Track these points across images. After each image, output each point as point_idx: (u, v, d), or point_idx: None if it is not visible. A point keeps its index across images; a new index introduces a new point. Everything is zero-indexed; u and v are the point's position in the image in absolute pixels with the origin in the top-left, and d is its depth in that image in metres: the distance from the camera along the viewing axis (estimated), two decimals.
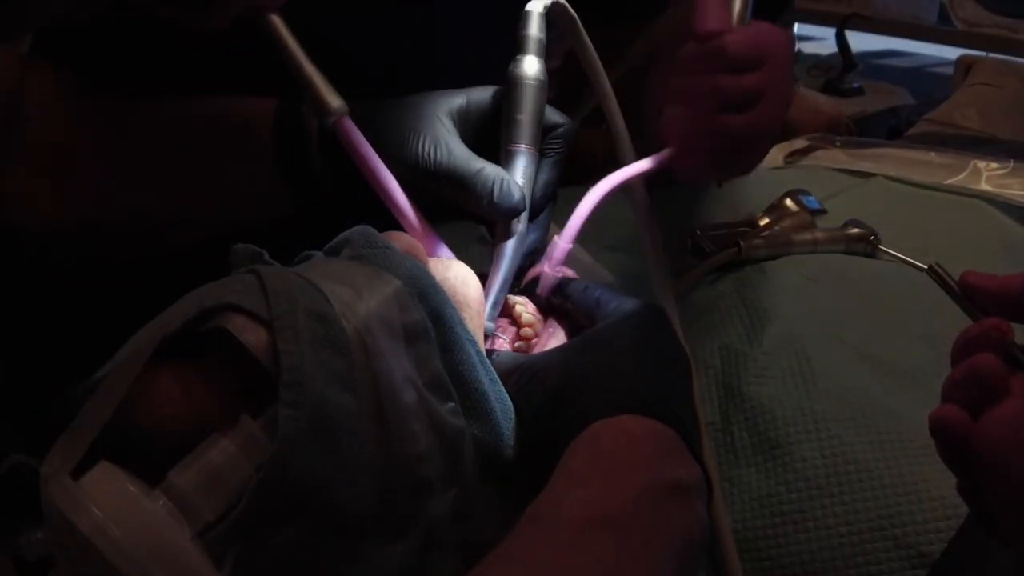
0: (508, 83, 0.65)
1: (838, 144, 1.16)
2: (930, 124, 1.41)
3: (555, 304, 0.63)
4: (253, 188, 0.71)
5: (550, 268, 0.64)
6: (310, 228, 0.61)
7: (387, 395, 0.46)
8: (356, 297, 0.48)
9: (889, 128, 1.58)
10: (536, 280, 0.65)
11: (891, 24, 2.35)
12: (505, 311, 0.62)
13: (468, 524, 0.49)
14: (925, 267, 0.79)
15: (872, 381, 0.69)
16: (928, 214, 0.90)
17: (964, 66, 1.59)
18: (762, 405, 0.68)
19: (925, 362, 0.70)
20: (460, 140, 0.64)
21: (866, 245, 0.82)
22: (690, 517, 0.48)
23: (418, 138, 0.63)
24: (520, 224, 0.64)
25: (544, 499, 0.46)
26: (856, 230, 0.82)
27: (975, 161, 1.05)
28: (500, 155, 0.64)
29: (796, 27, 2.22)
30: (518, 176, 0.63)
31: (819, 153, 1.15)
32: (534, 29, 0.66)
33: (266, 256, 0.53)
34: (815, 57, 2.21)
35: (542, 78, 0.65)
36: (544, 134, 0.66)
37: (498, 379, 0.53)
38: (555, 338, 0.61)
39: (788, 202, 0.85)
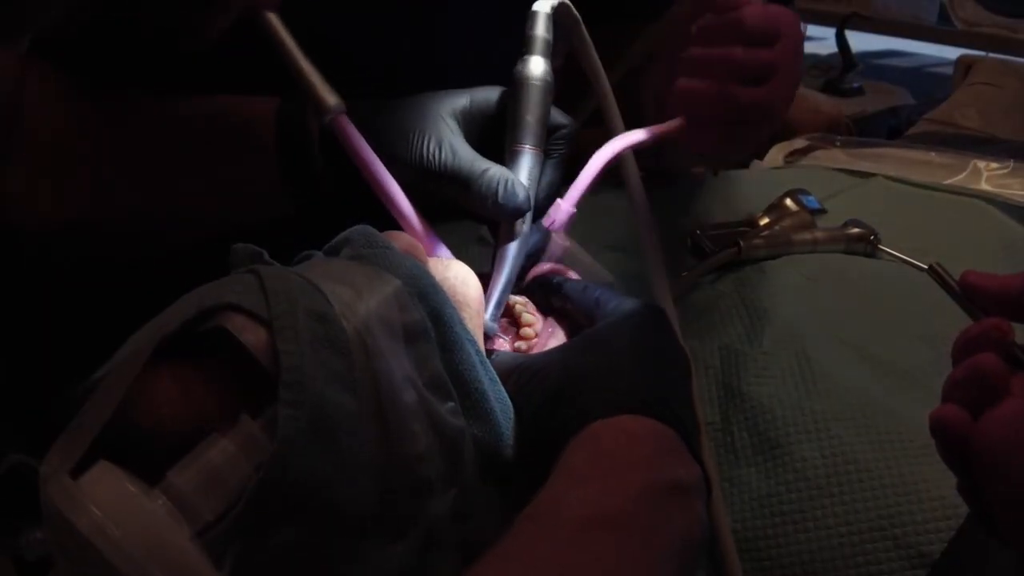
0: (514, 83, 0.65)
1: (838, 144, 1.16)
2: (930, 124, 1.41)
3: (555, 304, 0.63)
4: (253, 188, 0.71)
5: (553, 231, 0.64)
6: (310, 228, 0.61)
7: (387, 395, 0.46)
8: (356, 297, 0.48)
9: (889, 128, 1.58)
10: (536, 280, 0.65)
11: (891, 24, 2.35)
12: (505, 311, 0.62)
13: (468, 524, 0.49)
14: (925, 267, 0.79)
15: (872, 381, 0.69)
16: (928, 214, 0.90)
17: (964, 66, 1.59)
18: (762, 405, 0.68)
19: (925, 362, 0.70)
20: (464, 140, 0.64)
21: (866, 245, 0.82)
22: (690, 517, 0.48)
23: (422, 138, 0.63)
24: (524, 225, 0.64)
25: (543, 498, 0.46)
26: (856, 230, 0.82)
27: (975, 161, 1.06)
28: (504, 155, 0.64)
29: None
30: (523, 177, 0.63)
31: (819, 153, 1.15)
32: (541, 29, 0.66)
33: (266, 256, 0.53)
34: (815, 57, 2.21)
35: (548, 79, 0.66)
36: (548, 135, 0.66)
37: (498, 379, 0.53)
38: (555, 338, 0.61)
39: (788, 202, 0.85)
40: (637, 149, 0.70)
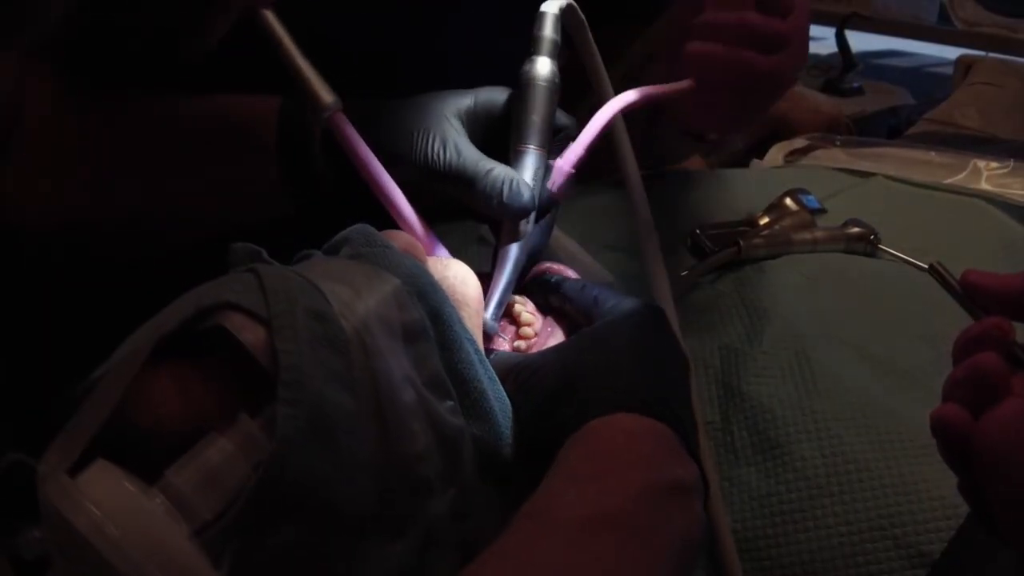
0: (521, 83, 0.65)
1: (838, 143, 1.17)
2: (930, 123, 1.41)
3: (553, 303, 0.63)
4: (253, 188, 0.71)
5: (555, 189, 0.64)
6: (310, 228, 0.61)
7: (386, 394, 0.46)
8: (355, 296, 0.48)
9: (889, 128, 1.58)
10: (536, 280, 0.65)
11: (891, 24, 2.35)
12: (504, 311, 0.62)
13: (467, 523, 0.49)
14: (926, 266, 0.79)
15: (872, 381, 0.69)
16: (928, 214, 0.90)
17: (964, 66, 1.60)
18: (762, 404, 0.67)
19: (925, 361, 0.70)
20: (468, 140, 0.64)
21: (866, 244, 0.82)
22: (689, 516, 0.48)
23: (427, 137, 0.63)
24: (527, 225, 0.63)
25: (541, 496, 0.46)
26: (856, 229, 0.82)
27: (975, 160, 1.06)
28: (509, 155, 0.64)
29: None
30: (527, 177, 0.63)
31: (819, 152, 1.15)
32: (549, 30, 0.66)
33: (264, 255, 0.53)
34: (815, 57, 2.20)
35: (555, 80, 0.65)
36: (552, 136, 0.66)
37: (497, 378, 0.53)
38: (553, 337, 0.61)
39: (788, 201, 0.85)
40: (642, 107, 0.69)
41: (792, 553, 0.62)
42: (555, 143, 0.66)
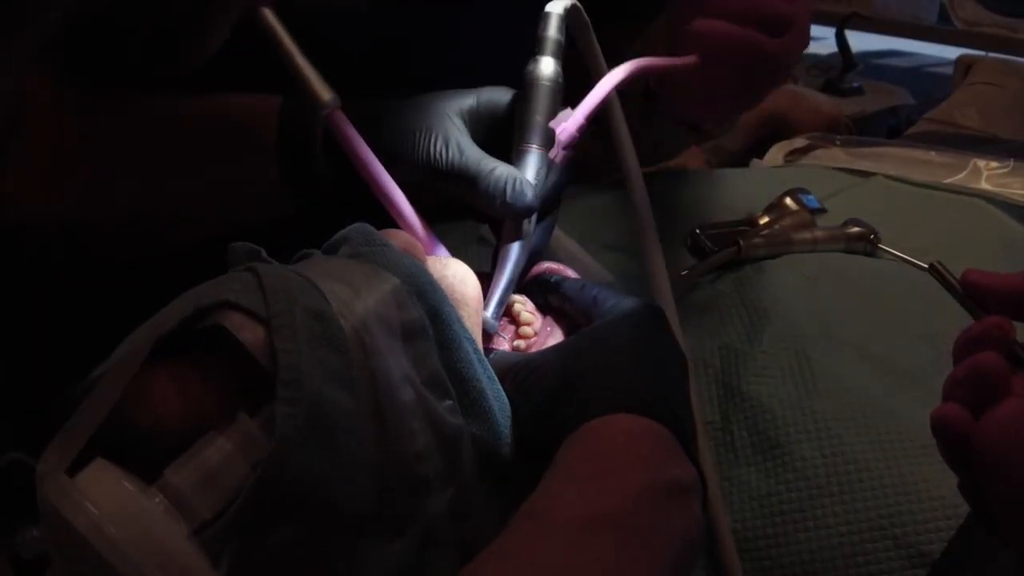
0: (525, 83, 0.65)
1: (838, 143, 1.16)
2: (930, 123, 1.41)
3: (553, 303, 0.63)
4: (254, 188, 0.71)
5: (556, 160, 0.64)
6: (310, 228, 0.61)
7: (385, 393, 0.46)
8: (354, 295, 0.48)
9: (889, 128, 1.57)
10: (535, 280, 0.65)
11: (891, 24, 2.34)
12: (504, 310, 0.62)
13: (466, 523, 0.49)
14: (926, 266, 0.79)
15: (872, 381, 0.69)
16: (928, 213, 0.90)
17: (964, 66, 1.59)
18: (762, 404, 0.67)
19: (925, 361, 0.70)
20: (471, 139, 0.64)
21: (866, 244, 0.82)
22: (688, 517, 0.48)
23: (429, 136, 0.63)
24: (529, 224, 0.63)
25: (540, 496, 0.46)
26: (856, 229, 0.82)
27: (975, 160, 1.06)
28: (511, 155, 0.64)
29: None
30: (530, 176, 0.63)
31: (819, 152, 1.15)
32: (553, 31, 0.66)
33: (263, 254, 0.53)
34: (815, 57, 2.20)
35: (559, 80, 0.65)
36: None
37: (496, 378, 0.53)
38: (553, 337, 0.61)
39: (788, 201, 0.85)
40: (644, 76, 0.70)
41: (792, 553, 0.62)
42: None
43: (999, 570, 0.58)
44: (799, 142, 1.19)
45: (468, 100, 0.66)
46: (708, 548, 0.62)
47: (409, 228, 0.62)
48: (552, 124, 0.64)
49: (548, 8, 0.67)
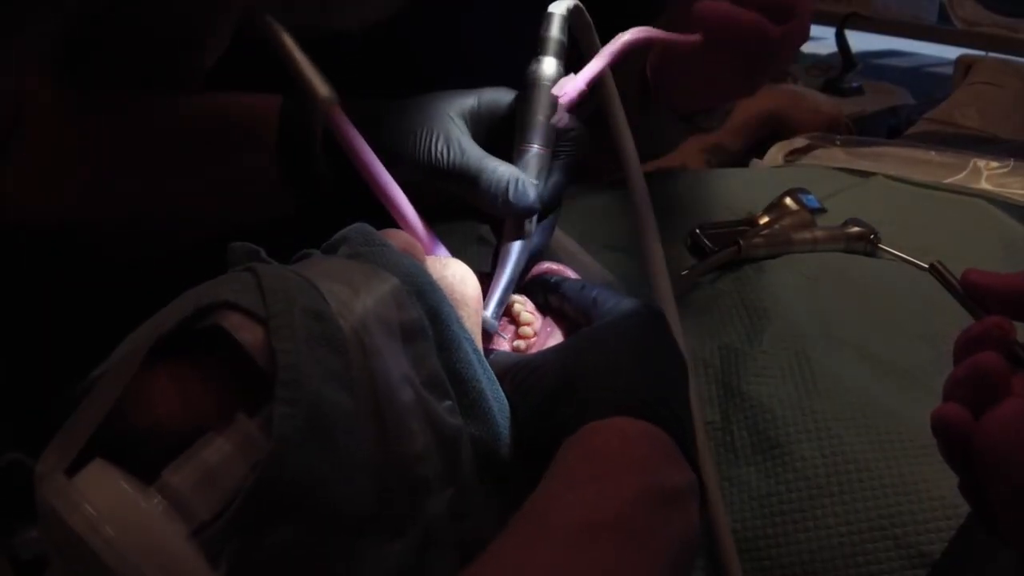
0: (526, 83, 0.65)
1: (838, 143, 1.16)
2: (930, 123, 1.41)
3: (552, 304, 0.63)
4: (254, 188, 0.71)
5: (559, 125, 0.65)
6: (310, 228, 0.61)
7: (384, 394, 0.46)
8: (353, 295, 0.48)
9: (889, 128, 1.57)
10: (535, 280, 0.64)
11: (891, 24, 2.34)
12: (504, 310, 0.62)
13: (465, 523, 0.49)
14: (926, 266, 0.79)
15: (872, 381, 0.69)
16: (928, 213, 0.90)
17: (964, 65, 1.59)
18: (762, 404, 0.67)
19: (925, 361, 0.70)
20: (472, 139, 0.64)
21: (866, 244, 0.82)
22: (686, 521, 0.48)
23: (430, 136, 0.63)
24: (531, 224, 0.63)
25: (539, 499, 0.46)
26: (856, 229, 0.82)
27: (975, 160, 1.05)
28: (513, 154, 0.64)
29: None
30: (532, 176, 0.63)
31: (819, 152, 1.15)
32: (555, 31, 0.66)
33: (263, 254, 0.53)
34: (815, 57, 2.20)
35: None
36: (556, 137, 0.66)
37: (495, 378, 0.53)
38: (553, 338, 0.61)
39: (788, 201, 0.84)
40: (646, 46, 0.71)
41: (792, 553, 0.62)
42: (559, 144, 0.66)
43: (999, 570, 0.58)
44: (799, 142, 1.19)
45: (469, 101, 0.66)
46: (708, 548, 0.62)
47: (409, 228, 0.62)
48: (555, 90, 0.65)
49: (551, 8, 0.67)
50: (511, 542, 0.44)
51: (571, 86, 0.65)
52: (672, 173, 0.96)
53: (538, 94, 0.65)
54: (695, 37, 0.71)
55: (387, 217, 0.63)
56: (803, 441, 0.65)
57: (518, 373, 0.54)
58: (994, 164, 1.04)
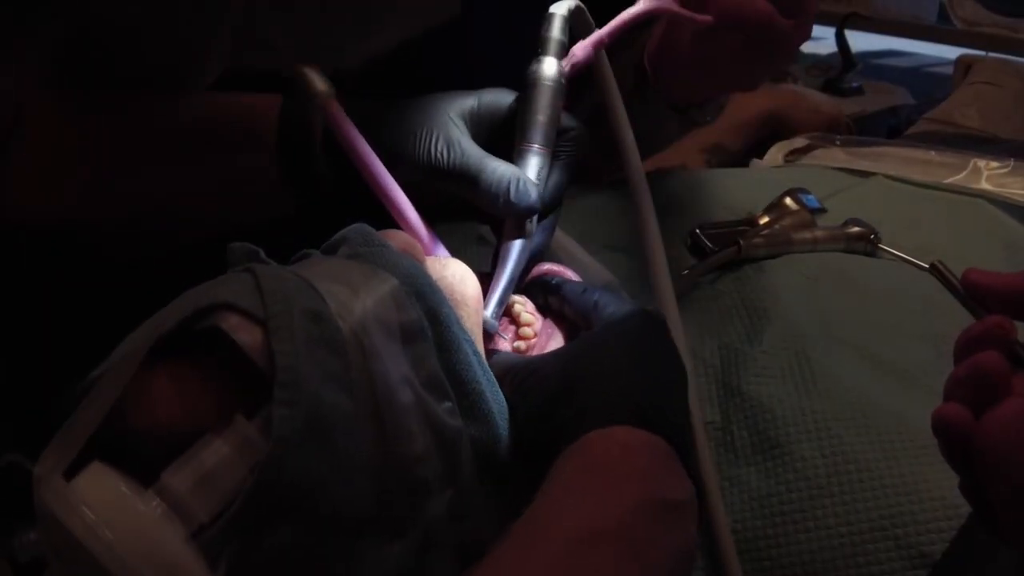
0: (527, 83, 0.65)
1: (838, 143, 1.16)
2: (930, 123, 1.41)
3: (552, 306, 0.63)
4: (254, 188, 0.71)
5: (569, 60, 0.66)
6: (310, 228, 0.61)
7: (383, 395, 0.46)
8: (352, 296, 0.48)
9: (889, 127, 1.57)
10: (536, 281, 0.64)
11: (891, 24, 2.34)
12: (504, 310, 0.62)
13: (465, 524, 0.49)
14: (926, 266, 0.79)
15: (872, 381, 0.69)
16: (928, 213, 0.90)
17: (964, 65, 1.59)
18: (762, 404, 0.67)
19: (926, 361, 0.70)
20: (472, 140, 0.64)
21: (866, 244, 0.81)
22: (684, 531, 0.48)
23: (430, 136, 0.63)
24: (531, 224, 0.63)
25: (538, 508, 0.46)
26: (856, 229, 0.82)
27: (975, 160, 1.05)
28: (513, 155, 0.64)
29: None
30: (532, 176, 0.63)
31: (819, 152, 1.15)
32: (556, 31, 0.67)
33: (262, 254, 0.53)
34: (814, 57, 2.20)
35: (561, 81, 0.66)
36: (556, 136, 0.66)
37: (495, 379, 0.53)
38: (553, 339, 0.61)
39: (788, 201, 0.84)
40: (658, 16, 0.72)
41: (792, 553, 0.62)
42: (559, 144, 0.66)
43: (1000, 570, 0.58)
44: (799, 142, 1.19)
45: (469, 101, 0.66)
46: (708, 548, 0.62)
47: (410, 228, 0.62)
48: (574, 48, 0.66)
49: (552, 9, 0.67)
50: (509, 552, 0.44)
51: (585, 42, 0.66)
52: (672, 173, 0.96)
53: (538, 94, 0.65)
54: (708, 18, 0.71)
55: (387, 217, 0.63)
56: (803, 441, 0.65)
57: (518, 374, 0.54)
58: (994, 164, 1.04)
